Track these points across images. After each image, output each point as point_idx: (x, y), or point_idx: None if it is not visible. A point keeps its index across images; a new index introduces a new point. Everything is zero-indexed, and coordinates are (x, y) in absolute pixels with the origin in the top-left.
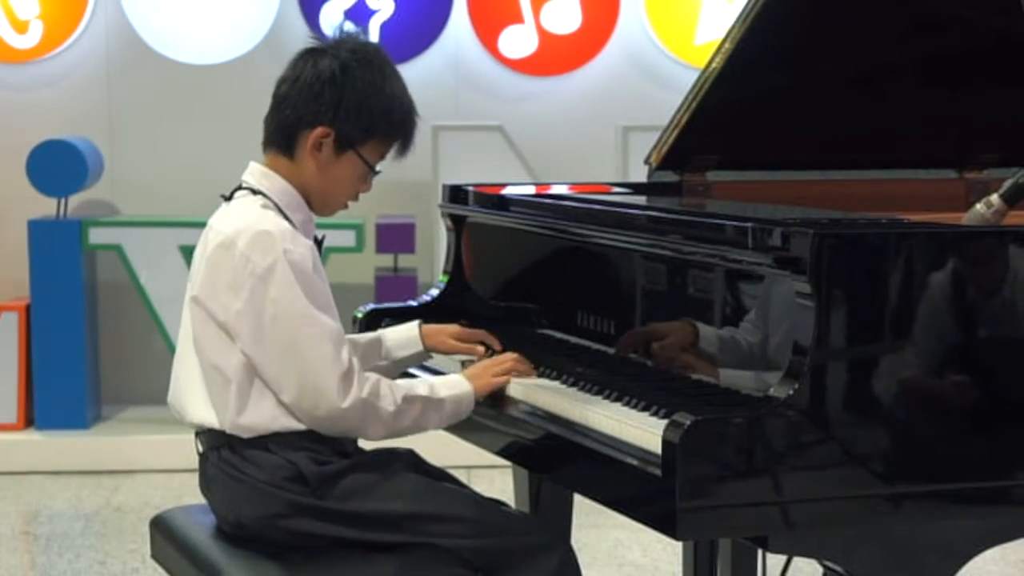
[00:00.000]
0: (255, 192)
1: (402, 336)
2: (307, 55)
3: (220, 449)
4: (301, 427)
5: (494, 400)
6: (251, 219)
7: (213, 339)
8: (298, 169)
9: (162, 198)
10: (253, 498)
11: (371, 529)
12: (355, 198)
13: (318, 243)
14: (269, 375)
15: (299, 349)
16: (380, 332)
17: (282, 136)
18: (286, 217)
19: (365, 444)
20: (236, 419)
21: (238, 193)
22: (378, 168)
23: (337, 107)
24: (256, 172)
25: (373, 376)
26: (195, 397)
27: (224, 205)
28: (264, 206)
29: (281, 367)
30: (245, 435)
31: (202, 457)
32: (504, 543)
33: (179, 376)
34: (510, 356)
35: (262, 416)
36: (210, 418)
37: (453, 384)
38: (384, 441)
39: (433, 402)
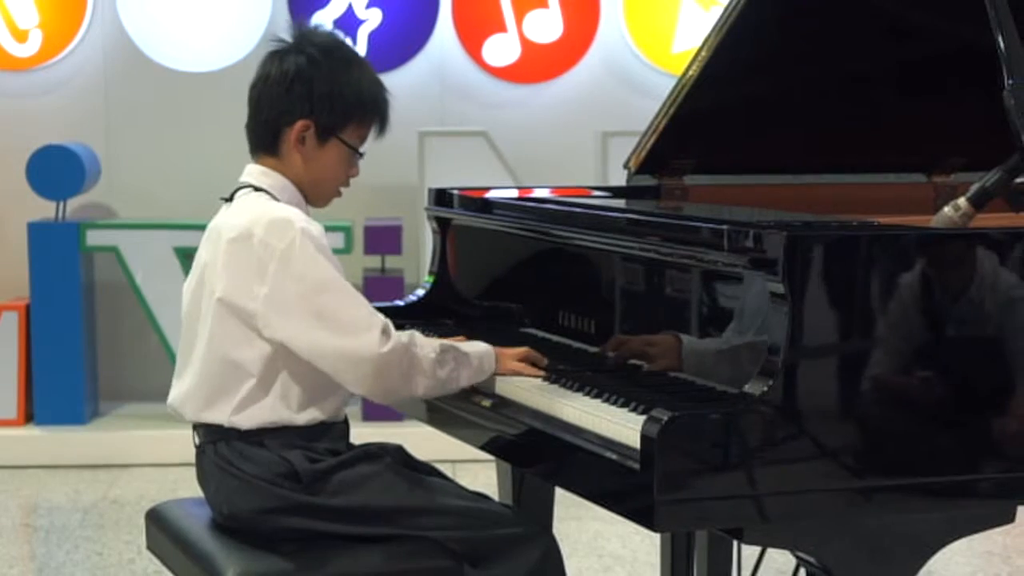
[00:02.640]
0: (257, 189)
1: None
2: (272, 57)
3: (216, 443)
4: (298, 423)
5: (478, 396)
6: (263, 209)
7: (235, 334)
8: (287, 165)
9: (157, 201)
10: (247, 493)
11: (361, 523)
12: (346, 183)
13: None
14: (305, 347)
15: (334, 314)
16: None
17: (266, 137)
18: None
19: (355, 438)
20: (238, 411)
21: (239, 192)
22: (362, 150)
23: (310, 98)
24: (255, 171)
25: (408, 330)
26: (197, 395)
27: (225, 206)
28: (270, 200)
29: (318, 335)
30: (244, 426)
31: (199, 449)
32: (489, 535)
33: (182, 377)
34: (529, 350)
35: (263, 409)
36: (210, 415)
37: (473, 344)
38: (374, 436)
39: (461, 355)
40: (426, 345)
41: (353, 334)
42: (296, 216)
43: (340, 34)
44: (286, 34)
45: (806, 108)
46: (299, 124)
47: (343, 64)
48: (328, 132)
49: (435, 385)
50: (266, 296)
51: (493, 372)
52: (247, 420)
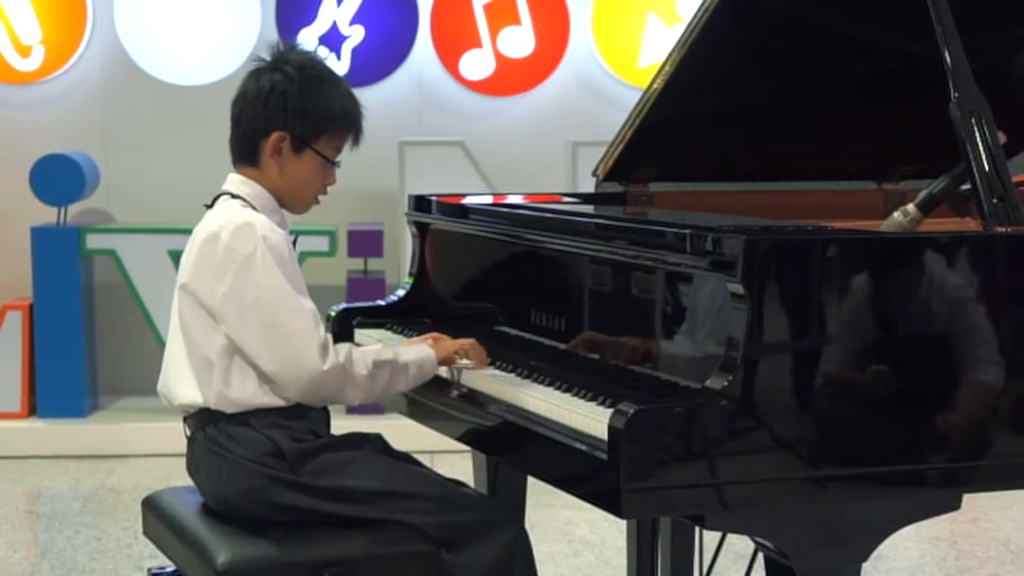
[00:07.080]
0: (235, 197)
1: None
2: (251, 75)
3: (205, 428)
4: (280, 404)
5: (457, 390)
6: (232, 215)
7: (200, 323)
8: (265, 175)
9: (153, 207)
10: (235, 473)
11: (342, 503)
12: (323, 191)
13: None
14: (251, 350)
15: (280, 323)
16: None
17: (245, 149)
18: None
19: (336, 429)
20: (220, 394)
21: (220, 199)
22: (337, 160)
23: (284, 112)
24: (235, 180)
25: (346, 345)
26: (183, 380)
27: (208, 212)
28: (243, 206)
29: (263, 341)
30: (228, 410)
31: (189, 440)
32: (463, 520)
33: (169, 363)
34: (469, 340)
35: (244, 392)
36: (196, 398)
37: (415, 349)
38: (354, 426)
39: (399, 366)
40: (359, 361)
41: (294, 348)
42: (261, 224)
43: (317, 53)
44: (267, 53)
45: (764, 119)
46: (275, 136)
47: (315, 80)
48: (302, 143)
49: (368, 396)
50: (224, 295)
51: (435, 366)
52: (231, 405)
